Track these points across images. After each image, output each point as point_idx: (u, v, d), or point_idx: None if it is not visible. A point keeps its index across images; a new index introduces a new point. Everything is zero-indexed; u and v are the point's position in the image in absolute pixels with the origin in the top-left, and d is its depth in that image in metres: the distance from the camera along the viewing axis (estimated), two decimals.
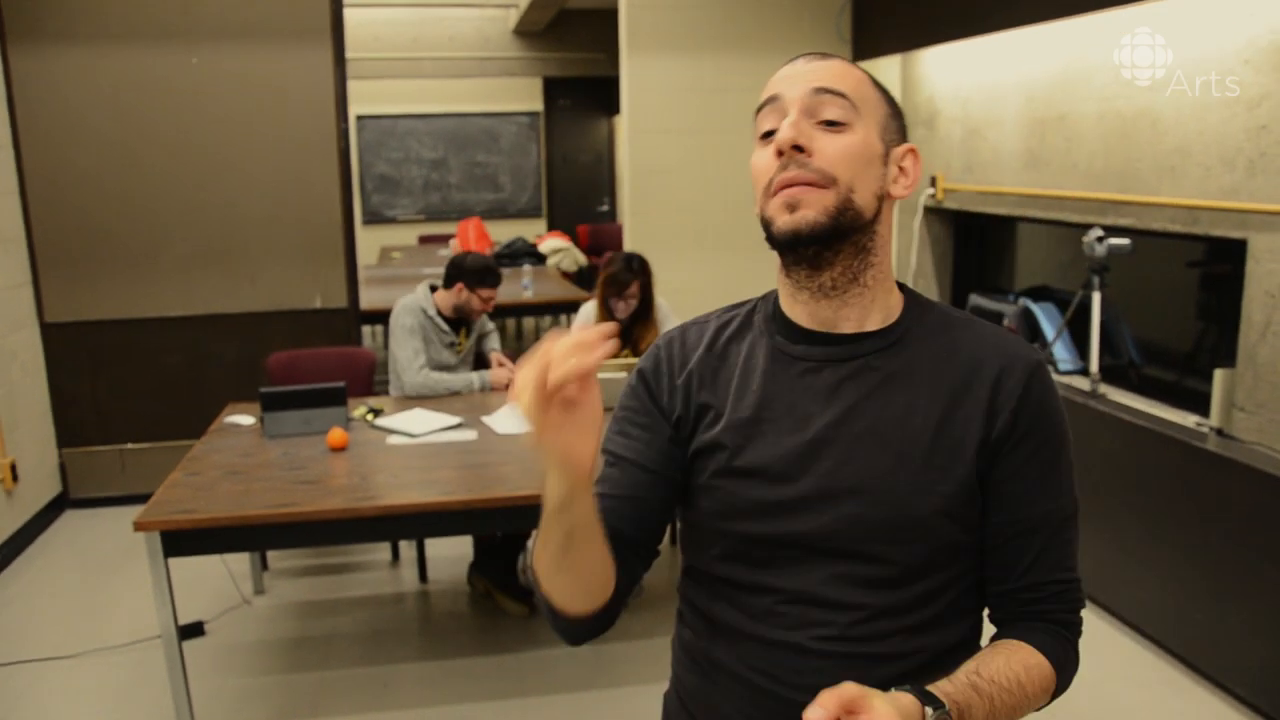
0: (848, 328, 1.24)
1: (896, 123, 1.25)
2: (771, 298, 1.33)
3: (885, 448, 1.20)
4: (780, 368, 1.26)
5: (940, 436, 1.20)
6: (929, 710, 1.09)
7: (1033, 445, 1.21)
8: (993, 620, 1.30)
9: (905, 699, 1.09)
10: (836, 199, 1.17)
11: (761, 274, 1.32)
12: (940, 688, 1.13)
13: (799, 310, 1.27)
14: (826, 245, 1.18)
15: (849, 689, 1.05)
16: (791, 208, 1.17)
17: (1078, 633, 1.27)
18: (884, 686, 1.10)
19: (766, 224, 1.22)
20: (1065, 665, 1.24)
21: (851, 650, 1.17)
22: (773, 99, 1.21)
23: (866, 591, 1.21)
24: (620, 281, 4.12)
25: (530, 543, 1.23)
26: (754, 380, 1.27)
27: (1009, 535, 1.23)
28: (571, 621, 1.23)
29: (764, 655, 1.25)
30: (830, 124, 1.18)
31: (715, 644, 1.30)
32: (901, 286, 1.30)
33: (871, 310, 1.25)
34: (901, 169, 1.24)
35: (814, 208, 1.16)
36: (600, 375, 1.25)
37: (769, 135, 1.21)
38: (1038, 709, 1.25)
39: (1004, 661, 1.19)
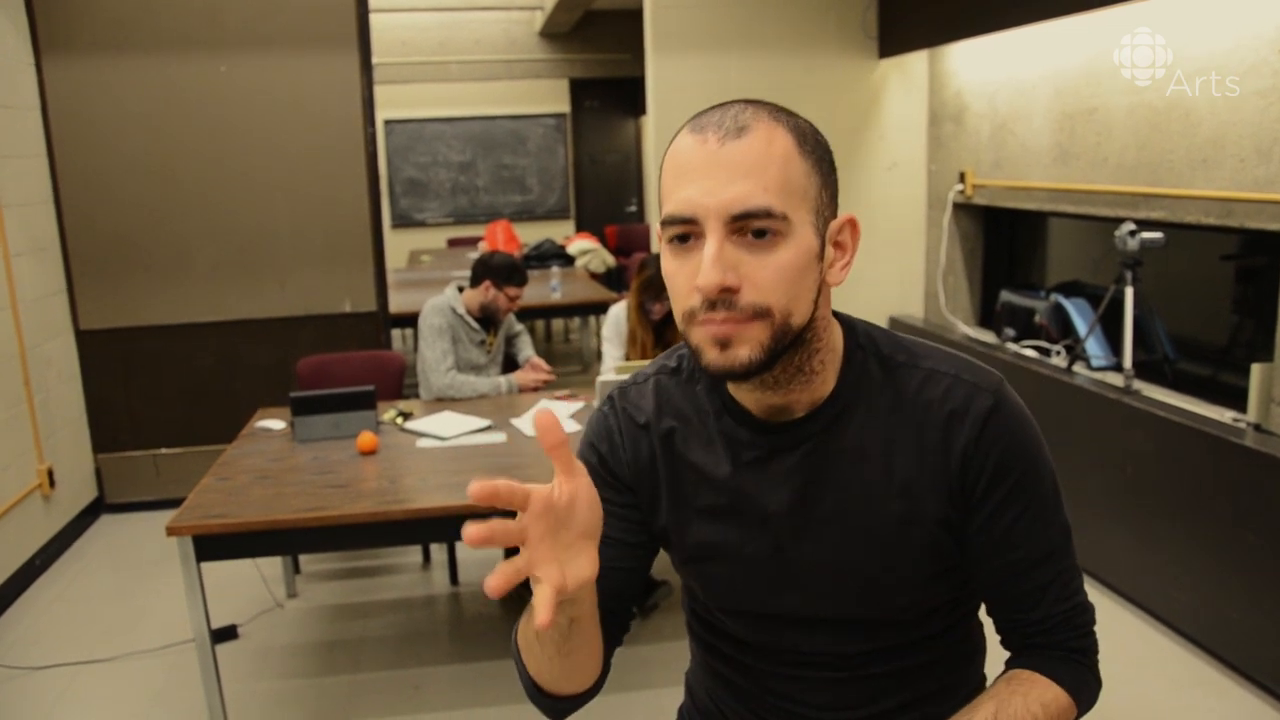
0: (799, 412, 1.16)
1: (829, 191, 1.09)
2: None
3: (851, 530, 1.16)
4: (730, 453, 1.20)
5: (904, 503, 1.15)
6: None
7: (1007, 486, 1.14)
8: (1005, 647, 1.27)
9: None
10: (772, 329, 1.04)
11: None
12: None
13: (744, 396, 1.17)
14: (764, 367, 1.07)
15: None
16: (722, 344, 1.04)
17: (1094, 654, 1.23)
18: (897, 712, 1.16)
19: (693, 350, 1.08)
20: (1082, 690, 1.21)
21: (858, 675, 1.22)
22: (687, 220, 1.03)
23: (864, 640, 1.22)
24: (657, 285, 4.11)
25: (519, 625, 1.20)
26: (706, 466, 1.21)
27: (1006, 575, 1.19)
28: (559, 700, 1.20)
29: (772, 691, 1.29)
30: (758, 234, 1.02)
31: (717, 684, 1.35)
32: (843, 323, 1.20)
33: (824, 391, 1.16)
34: (838, 245, 1.11)
35: (747, 344, 1.04)
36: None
37: (682, 240, 1.05)
38: None
39: (1021, 703, 1.15)
